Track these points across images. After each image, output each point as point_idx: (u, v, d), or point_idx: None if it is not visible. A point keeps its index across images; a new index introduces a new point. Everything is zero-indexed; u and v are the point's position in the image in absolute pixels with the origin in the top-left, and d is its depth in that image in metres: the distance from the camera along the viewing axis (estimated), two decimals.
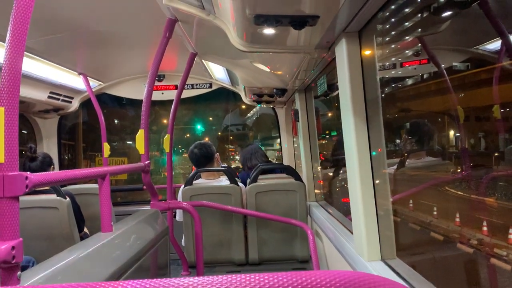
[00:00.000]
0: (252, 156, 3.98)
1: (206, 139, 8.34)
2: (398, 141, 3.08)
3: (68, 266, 1.47)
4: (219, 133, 8.55)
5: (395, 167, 2.95)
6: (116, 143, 8.04)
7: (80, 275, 1.49)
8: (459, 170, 2.38)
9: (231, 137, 8.50)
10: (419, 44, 2.23)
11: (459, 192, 2.15)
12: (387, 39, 1.91)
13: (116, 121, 7.89)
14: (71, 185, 3.86)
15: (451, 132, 2.46)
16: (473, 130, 2.18)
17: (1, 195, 1.14)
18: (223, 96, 6.83)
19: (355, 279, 0.71)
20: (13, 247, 1.14)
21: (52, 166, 3.19)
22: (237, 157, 8.49)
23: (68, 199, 2.71)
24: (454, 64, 2.07)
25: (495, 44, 1.86)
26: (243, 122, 8.35)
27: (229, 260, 3.33)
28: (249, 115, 8.15)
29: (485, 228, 1.73)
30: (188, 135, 8.51)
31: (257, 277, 0.75)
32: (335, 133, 5.27)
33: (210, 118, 8.44)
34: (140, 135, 2.59)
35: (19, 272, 1.18)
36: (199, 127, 8.36)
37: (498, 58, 1.88)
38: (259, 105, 5.01)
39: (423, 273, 1.60)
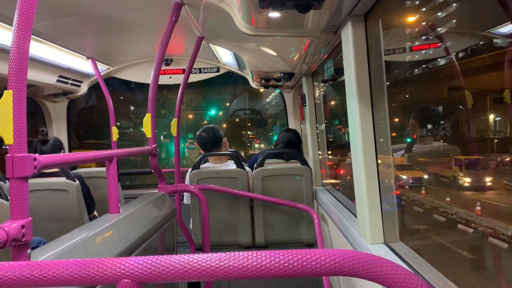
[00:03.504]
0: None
1: (224, 125, 8.28)
2: (407, 128, 3.07)
3: (77, 245, 1.51)
4: (237, 120, 8.43)
5: (402, 151, 2.95)
6: (130, 130, 7.94)
7: (87, 254, 1.54)
8: (466, 156, 2.37)
9: (249, 123, 8.37)
10: (427, 28, 2.20)
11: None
12: (393, 22, 1.90)
13: (124, 106, 7.84)
14: (81, 169, 3.92)
15: (460, 118, 2.44)
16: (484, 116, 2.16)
17: (10, 176, 1.18)
18: (232, 80, 6.79)
19: (349, 258, 0.73)
20: (22, 226, 1.18)
21: (62, 150, 3.24)
22: (256, 145, 8.42)
23: (77, 181, 2.76)
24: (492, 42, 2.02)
25: (508, 28, 1.83)
26: (263, 107, 8.17)
27: (236, 243, 3.38)
28: (268, 99, 7.97)
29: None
30: (205, 122, 8.42)
31: (262, 254, 0.76)
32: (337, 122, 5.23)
33: (227, 104, 8.33)
34: (147, 119, 2.61)
35: (29, 250, 1.23)
36: (213, 111, 8.26)
37: None
38: (278, 90, 5.00)
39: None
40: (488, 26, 1.88)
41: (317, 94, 3.83)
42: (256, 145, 8.36)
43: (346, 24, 1.87)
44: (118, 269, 0.76)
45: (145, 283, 0.78)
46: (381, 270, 0.73)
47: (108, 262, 0.78)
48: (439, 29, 2.10)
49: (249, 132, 8.47)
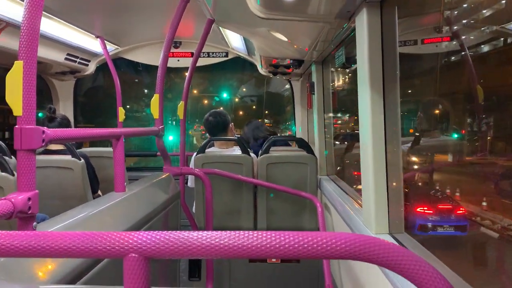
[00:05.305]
0: (257, 130, 4.15)
1: (241, 112, 8.21)
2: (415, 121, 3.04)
3: (82, 221, 1.51)
4: (253, 107, 8.29)
5: (409, 144, 2.93)
6: (137, 114, 7.77)
7: (92, 230, 1.53)
8: (473, 150, 2.35)
9: (266, 111, 8.23)
10: (446, 20, 2.16)
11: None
12: (410, 11, 1.86)
13: (132, 89, 7.72)
14: (86, 148, 3.93)
15: (467, 112, 2.41)
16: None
17: (18, 147, 1.17)
18: (239, 67, 6.71)
19: (356, 241, 0.71)
20: (29, 198, 1.17)
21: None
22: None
23: (82, 160, 2.76)
24: None
25: None
26: (281, 93, 8.00)
27: (238, 228, 3.38)
28: (287, 86, 7.82)
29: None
30: (221, 107, 8.26)
31: (264, 234, 0.75)
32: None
33: (244, 89, 8.13)
34: (155, 99, 2.60)
35: (34, 223, 1.22)
36: (225, 95, 8.11)
37: None
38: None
39: None
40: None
41: (327, 82, 3.79)
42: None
43: (361, 11, 1.84)
44: (125, 243, 0.75)
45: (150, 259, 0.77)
46: (393, 256, 0.72)
47: (115, 235, 0.77)
48: (457, 22, 2.06)
49: (265, 121, 8.37)
